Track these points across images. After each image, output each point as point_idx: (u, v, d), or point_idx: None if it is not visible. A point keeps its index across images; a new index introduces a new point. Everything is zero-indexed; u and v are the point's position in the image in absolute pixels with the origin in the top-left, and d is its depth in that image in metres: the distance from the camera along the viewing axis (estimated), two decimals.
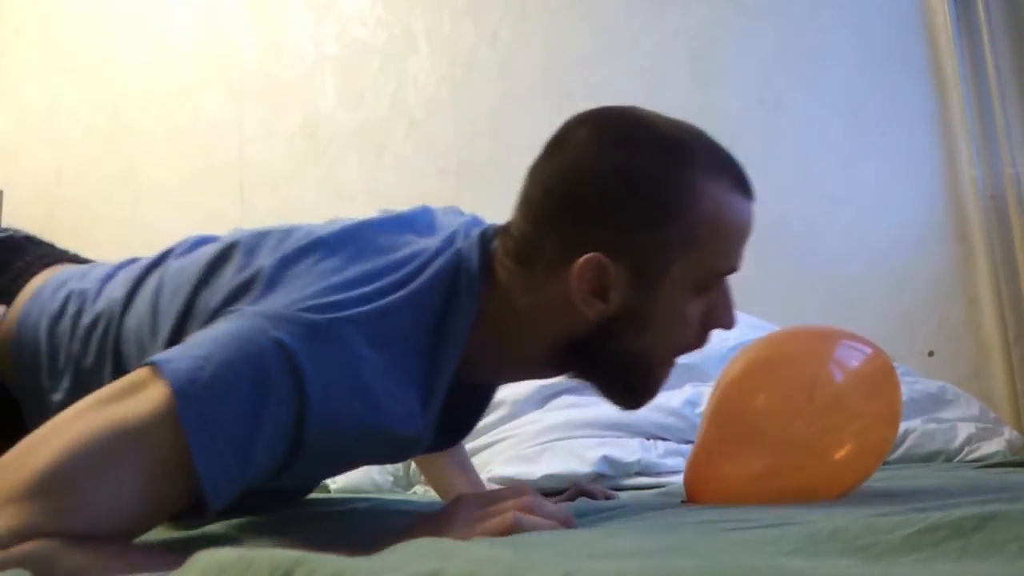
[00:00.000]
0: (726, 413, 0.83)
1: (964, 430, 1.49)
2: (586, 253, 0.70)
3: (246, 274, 0.73)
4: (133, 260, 0.89)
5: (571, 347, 0.76)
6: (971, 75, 1.98)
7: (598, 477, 1.36)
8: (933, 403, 1.56)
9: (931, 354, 1.92)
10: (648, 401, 0.81)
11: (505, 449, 1.49)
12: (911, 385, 1.59)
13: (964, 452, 1.46)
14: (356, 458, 0.74)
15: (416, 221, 0.83)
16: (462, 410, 0.84)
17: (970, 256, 1.95)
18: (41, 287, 0.86)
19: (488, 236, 0.78)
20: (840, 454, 0.79)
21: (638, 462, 1.38)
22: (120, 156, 2.42)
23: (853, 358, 0.82)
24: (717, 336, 1.90)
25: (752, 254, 2.32)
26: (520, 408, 1.54)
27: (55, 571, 0.56)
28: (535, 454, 1.42)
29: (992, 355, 1.90)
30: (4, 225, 2.29)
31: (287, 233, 0.79)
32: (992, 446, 1.46)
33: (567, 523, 0.65)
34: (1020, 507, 0.43)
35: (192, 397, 0.60)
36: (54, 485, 0.58)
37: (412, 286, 0.71)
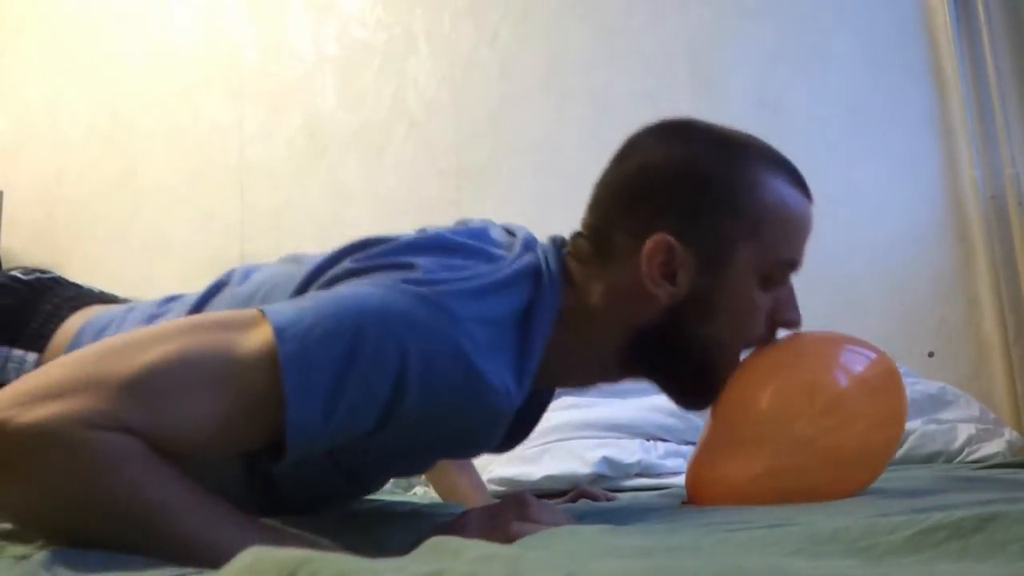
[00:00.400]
0: (729, 415, 0.83)
1: (964, 431, 1.49)
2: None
3: (340, 272, 0.73)
4: (172, 299, 0.87)
5: (643, 338, 0.77)
6: (971, 76, 1.99)
7: (598, 478, 1.36)
8: (933, 404, 1.56)
9: (931, 355, 1.92)
10: (711, 399, 0.82)
11: None
12: (911, 386, 1.59)
13: (964, 453, 1.46)
14: (444, 438, 0.73)
15: (480, 235, 0.83)
16: (524, 414, 0.85)
17: (970, 257, 1.95)
18: (79, 333, 0.83)
19: (559, 242, 0.82)
20: (843, 456, 0.79)
21: (638, 463, 1.38)
22: (120, 157, 2.42)
23: (857, 363, 0.83)
24: None
25: None
26: None
27: (134, 480, 0.55)
28: (535, 455, 1.42)
29: (992, 356, 1.90)
30: (6, 226, 2.29)
31: (364, 243, 0.78)
32: (992, 447, 1.46)
33: (568, 522, 0.65)
34: (1020, 508, 0.43)
35: (290, 338, 0.61)
36: (151, 383, 0.58)
37: (504, 276, 0.73)
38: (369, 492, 0.94)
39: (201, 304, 0.81)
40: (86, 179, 2.42)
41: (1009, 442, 1.48)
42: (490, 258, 0.75)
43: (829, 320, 1.92)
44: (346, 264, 0.73)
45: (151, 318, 0.83)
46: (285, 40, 2.38)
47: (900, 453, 1.47)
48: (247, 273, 0.85)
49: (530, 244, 0.80)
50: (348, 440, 0.66)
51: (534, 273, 0.75)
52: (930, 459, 1.46)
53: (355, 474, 0.79)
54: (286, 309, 0.64)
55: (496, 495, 1.39)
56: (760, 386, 0.82)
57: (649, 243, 0.74)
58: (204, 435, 0.60)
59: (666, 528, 0.62)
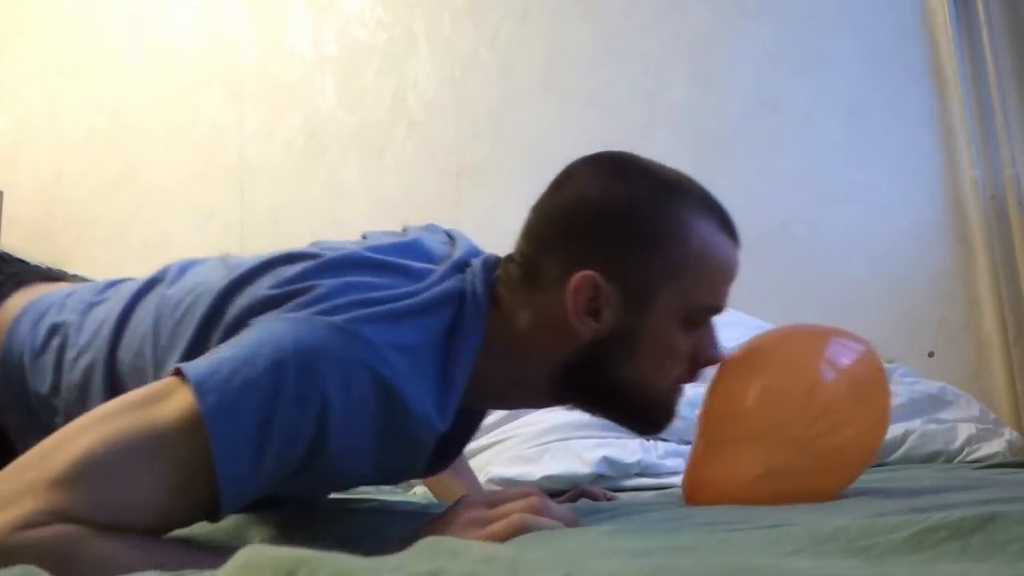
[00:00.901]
0: (723, 414, 0.84)
1: (964, 431, 1.49)
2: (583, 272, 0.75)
3: (251, 302, 0.73)
4: (111, 284, 0.88)
5: (568, 372, 0.78)
6: (971, 76, 1.99)
7: (598, 478, 1.35)
8: (933, 404, 1.56)
9: (931, 355, 1.92)
10: (664, 428, 0.83)
11: (505, 450, 1.49)
12: (911, 386, 1.59)
13: (964, 453, 1.46)
14: (369, 464, 0.73)
15: (412, 249, 0.85)
16: (456, 434, 0.85)
17: (970, 257, 1.95)
18: (17, 318, 0.85)
19: (491, 264, 0.81)
20: (839, 456, 0.79)
21: (638, 463, 1.38)
22: (120, 157, 2.42)
23: (846, 357, 0.83)
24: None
25: (752, 255, 2.30)
26: (520, 408, 1.54)
27: (77, 556, 0.58)
28: (535, 455, 1.42)
29: (992, 356, 1.90)
30: (6, 226, 2.29)
31: (288, 257, 0.79)
32: (992, 447, 1.46)
33: (573, 525, 0.65)
34: (1020, 508, 0.43)
35: (209, 391, 0.62)
36: (86, 474, 0.60)
37: (422, 300, 0.73)
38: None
39: (132, 304, 0.82)
40: (86, 179, 2.42)
41: (1009, 442, 1.48)
42: (411, 276, 0.76)
43: (829, 320, 1.92)
44: (263, 289, 0.73)
45: (89, 306, 0.84)
46: (285, 40, 2.38)
47: (900, 453, 1.47)
48: (182, 270, 0.85)
49: (460, 264, 0.80)
50: (283, 476, 0.66)
51: (457, 297, 0.76)
52: (930, 459, 1.46)
53: (280, 499, 0.80)
54: (202, 363, 0.64)
55: None
56: (753, 385, 0.82)
57: (576, 278, 0.74)
58: (150, 512, 0.62)
59: (666, 528, 0.62)
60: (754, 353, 0.85)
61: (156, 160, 2.40)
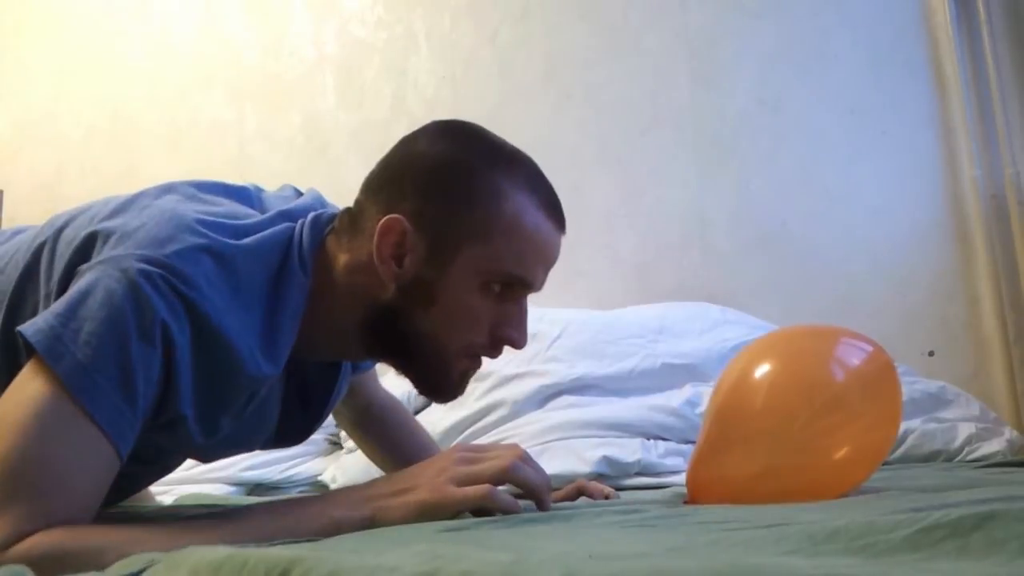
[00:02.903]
0: (727, 413, 0.83)
1: (964, 430, 1.49)
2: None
3: (79, 241, 0.75)
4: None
5: (374, 319, 0.80)
6: (971, 75, 1.98)
7: (598, 477, 1.35)
8: (933, 403, 1.56)
9: (931, 354, 1.92)
10: (452, 397, 0.85)
11: None
12: (911, 385, 1.59)
13: (964, 452, 1.46)
14: (225, 407, 0.75)
15: (242, 194, 0.88)
16: (315, 390, 0.90)
17: (970, 256, 1.95)
18: None
19: (327, 216, 0.84)
20: (840, 454, 0.79)
21: (638, 462, 1.38)
22: (121, 156, 2.42)
23: (854, 356, 0.82)
24: (717, 336, 1.91)
25: (752, 254, 2.31)
26: (520, 408, 1.54)
27: (67, 558, 0.59)
28: (535, 454, 1.40)
29: (992, 355, 1.90)
30: (7, 225, 2.29)
31: (109, 199, 0.82)
32: (992, 446, 1.46)
33: (547, 486, 0.73)
34: (1019, 506, 0.42)
35: (61, 355, 0.64)
36: (19, 485, 0.62)
37: (251, 239, 0.75)
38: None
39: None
40: (86, 178, 2.41)
41: (1009, 441, 1.48)
42: (233, 217, 0.77)
43: (829, 319, 1.93)
44: (88, 221, 0.76)
45: None
46: (285, 39, 2.38)
47: (900, 452, 1.46)
48: (11, 236, 0.87)
49: (291, 213, 0.82)
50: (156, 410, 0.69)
51: (285, 243, 0.78)
52: (930, 458, 1.46)
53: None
54: (43, 328, 0.66)
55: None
56: (758, 383, 0.81)
57: (384, 220, 0.76)
58: (92, 484, 0.65)
59: (665, 528, 0.62)
60: (762, 354, 0.85)
61: (156, 159, 2.40)
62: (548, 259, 0.82)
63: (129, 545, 0.59)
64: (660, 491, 1.21)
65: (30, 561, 0.58)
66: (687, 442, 1.51)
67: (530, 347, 1.68)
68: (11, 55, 2.56)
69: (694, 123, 2.11)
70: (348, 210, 0.83)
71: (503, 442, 1.51)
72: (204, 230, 0.72)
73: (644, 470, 1.39)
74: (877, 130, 2.03)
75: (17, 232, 0.89)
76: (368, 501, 0.71)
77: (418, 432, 1.22)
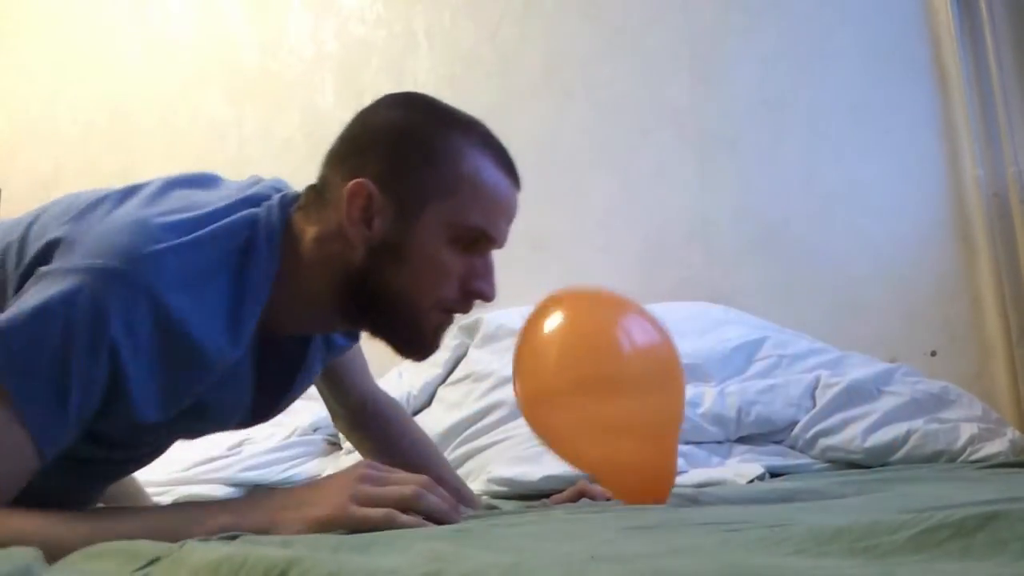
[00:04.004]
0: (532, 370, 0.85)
1: (967, 430, 1.48)
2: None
3: (41, 244, 0.77)
4: None
5: (347, 284, 0.82)
6: (974, 74, 1.98)
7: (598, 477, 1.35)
8: (936, 403, 1.56)
9: (934, 354, 1.92)
10: (428, 353, 0.88)
11: (505, 450, 1.48)
12: (913, 385, 1.58)
13: (967, 452, 1.45)
14: (180, 399, 0.77)
15: (202, 181, 0.92)
16: (283, 365, 0.91)
17: (973, 256, 1.94)
18: None
19: (292, 196, 0.87)
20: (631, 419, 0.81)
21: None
22: (119, 154, 2.41)
23: (641, 333, 0.87)
24: (718, 336, 1.90)
25: (754, 253, 2.31)
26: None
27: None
28: (535, 455, 1.42)
29: (995, 355, 1.89)
30: None
31: (75, 197, 0.85)
32: (995, 446, 1.45)
33: (455, 515, 0.73)
34: (1022, 507, 0.42)
35: (6, 357, 0.67)
36: None
37: (213, 227, 0.77)
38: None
39: None
40: (84, 177, 2.41)
41: (1012, 442, 1.47)
42: (194, 207, 0.79)
43: (831, 319, 1.93)
44: (54, 222, 0.78)
45: None
46: (284, 37, 2.38)
47: (902, 452, 1.46)
48: None
49: (254, 198, 0.85)
50: (93, 418, 0.71)
51: (249, 225, 0.80)
52: (932, 458, 1.45)
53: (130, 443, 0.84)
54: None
55: (496, 495, 1.38)
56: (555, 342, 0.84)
57: (350, 185, 0.80)
58: (13, 475, 0.68)
59: (667, 529, 0.62)
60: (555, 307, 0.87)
61: (154, 158, 2.39)
62: (508, 213, 0.85)
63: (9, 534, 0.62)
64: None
65: None
66: (687, 442, 1.50)
67: None
68: (9, 54, 2.55)
69: (695, 122, 2.11)
70: (313, 186, 0.86)
71: (502, 443, 1.51)
72: (164, 233, 0.74)
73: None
74: (879, 129, 2.03)
75: None
76: (265, 511, 0.70)
77: (415, 432, 1.22)
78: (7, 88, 2.55)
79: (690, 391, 1.57)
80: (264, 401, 0.91)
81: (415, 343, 0.86)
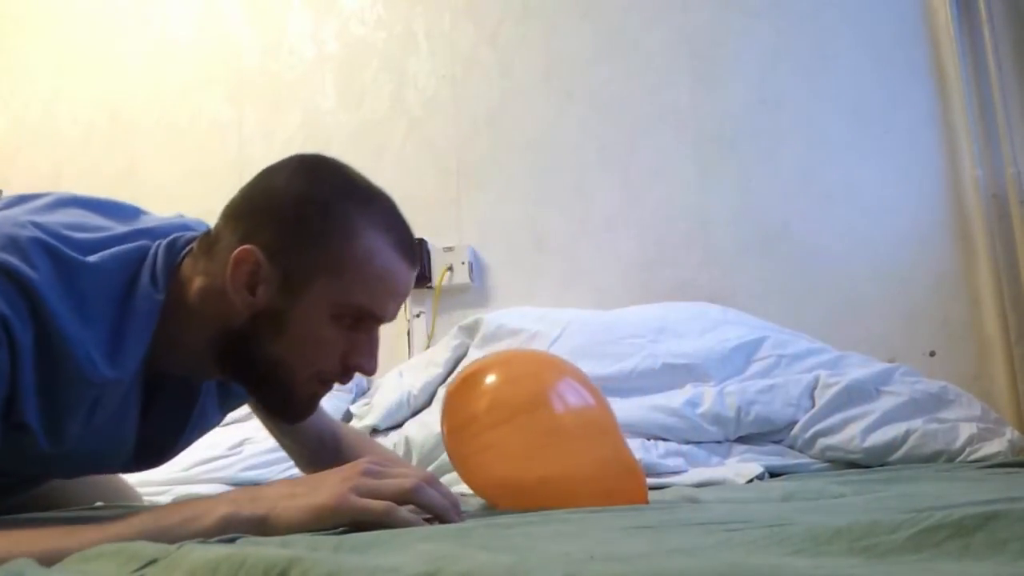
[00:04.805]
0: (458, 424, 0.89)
1: (966, 430, 1.48)
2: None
3: None
4: None
5: (226, 342, 0.83)
6: (973, 74, 1.98)
7: None
8: (935, 403, 1.56)
9: (932, 354, 1.92)
10: (301, 417, 0.88)
11: None
12: (912, 385, 1.58)
13: (966, 452, 1.46)
14: (69, 412, 0.77)
15: (117, 210, 0.90)
16: (169, 409, 0.91)
17: (972, 256, 1.94)
18: None
19: (185, 239, 0.86)
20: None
21: (638, 463, 1.38)
22: (119, 155, 2.41)
23: (573, 395, 0.89)
24: (717, 337, 1.90)
25: (753, 254, 2.31)
26: None
27: None
28: None
29: (994, 355, 1.89)
30: None
31: None
32: (994, 446, 1.45)
33: (456, 511, 0.72)
34: (1022, 507, 0.42)
35: None
36: None
37: (96, 257, 0.77)
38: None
39: None
40: (85, 178, 2.41)
41: (1011, 442, 1.47)
42: (88, 229, 0.80)
43: (830, 318, 1.93)
44: None
45: None
46: (285, 38, 2.38)
47: (901, 452, 1.46)
48: None
49: (151, 232, 0.85)
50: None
51: (137, 260, 0.81)
52: (931, 458, 1.46)
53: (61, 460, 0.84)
54: None
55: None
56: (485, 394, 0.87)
57: (238, 252, 0.79)
58: None
59: (667, 529, 0.62)
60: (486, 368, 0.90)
61: (155, 158, 2.40)
62: (398, 293, 0.85)
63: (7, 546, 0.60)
64: (661, 491, 1.20)
65: None
66: (687, 442, 1.51)
67: (531, 347, 1.68)
68: (10, 54, 2.55)
69: (695, 123, 2.11)
70: (206, 234, 0.86)
71: None
72: (47, 238, 0.74)
73: (644, 471, 1.38)
74: (878, 129, 2.03)
75: None
76: (264, 501, 0.69)
77: (380, 452, 1.20)
78: (8, 89, 2.55)
79: (690, 391, 1.58)
80: (150, 442, 0.89)
81: (288, 410, 0.87)
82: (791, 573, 0.34)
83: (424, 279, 2.10)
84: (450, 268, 2.08)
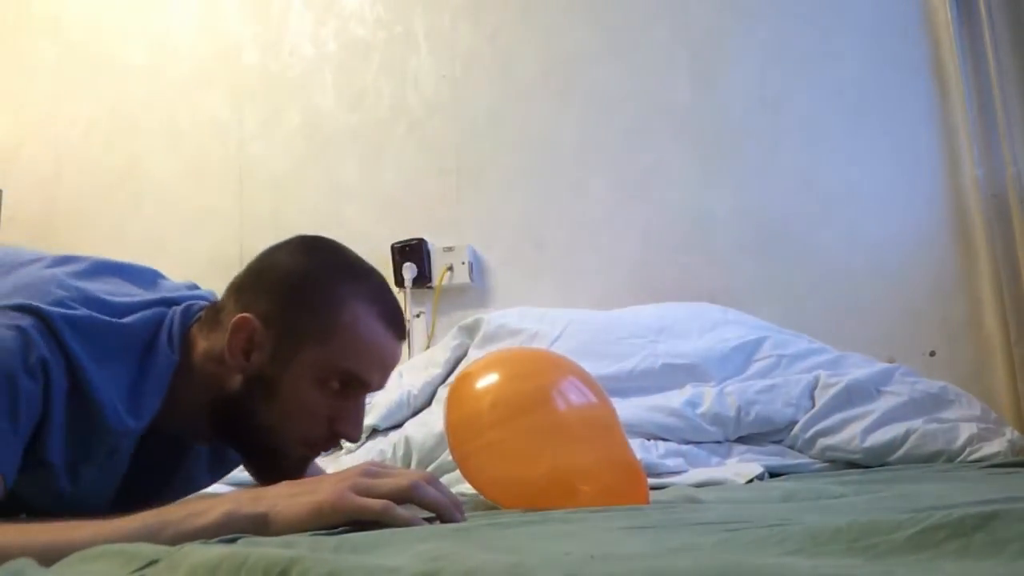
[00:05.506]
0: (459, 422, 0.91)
1: (966, 430, 1.48)
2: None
3: None
4: None
5: (222, 406, 0.88)
6: (973, 74, 1.98)
7: None
8: (934, 403, 1.56)
9: (932, 354, 1.92)
10: (290, 480, 0.92)
11: None
12: (912, 385, 1.58)
13: (966, 452, 1.46)
14: (88, 458, 0.82)
15: (136, 273, 0.97)
16: (162, 461, 0.95)
17: (972, 256, 1.94)
18: None
19: (197, 307, 0.93)
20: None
21: (638, 463, 1.38)
22: (120, 155, 2.41)
23: (575, 394, 0.91)
24: (717, 337, 1.90)
25: (753, 254, 2.31)
26: None
27: None
28: None
29: (994, 355, 1.89)
30: (6, 224, 2.29)
31: (15, 253, 0.94)
32: (994, 446, 1.45)
33: (458, 510, 0.74)
34: (1021, 507, 0.42)
35: None
36: None
37: (125, 320, 0.85)
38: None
39: None
40: (85, 176, 2.41)
41: (1011, 442, 1.47)
42: (113, 295, 0.87)
43: (830, 318, 1.93)
44: None
45: None
46: (285, 38, 2.38)
47: (901, 452, 1.46)
48: None
49: (168, 300, 0.92)
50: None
51: (155, 324, 0.88)
52: (931, 458, 1.46)
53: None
54: None
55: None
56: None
57: (237, 319, 0.86)
58: None
59: (667, 528, 0.62)
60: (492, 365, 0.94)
61: (155, 158, 2.40)
62: (383, 363, 0.91)
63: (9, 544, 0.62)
64: (661, 491, 1.21)
65: None
66: (687, 442, 1.51)
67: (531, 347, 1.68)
68: (11, 53, 2.55)
69: (694, 123, 2.11)
70: (214, 304, 0.93)
71: None
72: (86, 301, 0.82)
73: (644, 471, 1.38)
74: (878, 129, 2.03)
75: None
76: (265, 500, 0.70)
77: None
78: (9, 88, 2.55)
79: (690, 391, 1.58)
80: (129, 493, 0.92)
81: (276, 472, 0.88)
82: (791, 573, 0.34)
83: (424, 279, 2.10)
84: (450, 268, 2.08)
